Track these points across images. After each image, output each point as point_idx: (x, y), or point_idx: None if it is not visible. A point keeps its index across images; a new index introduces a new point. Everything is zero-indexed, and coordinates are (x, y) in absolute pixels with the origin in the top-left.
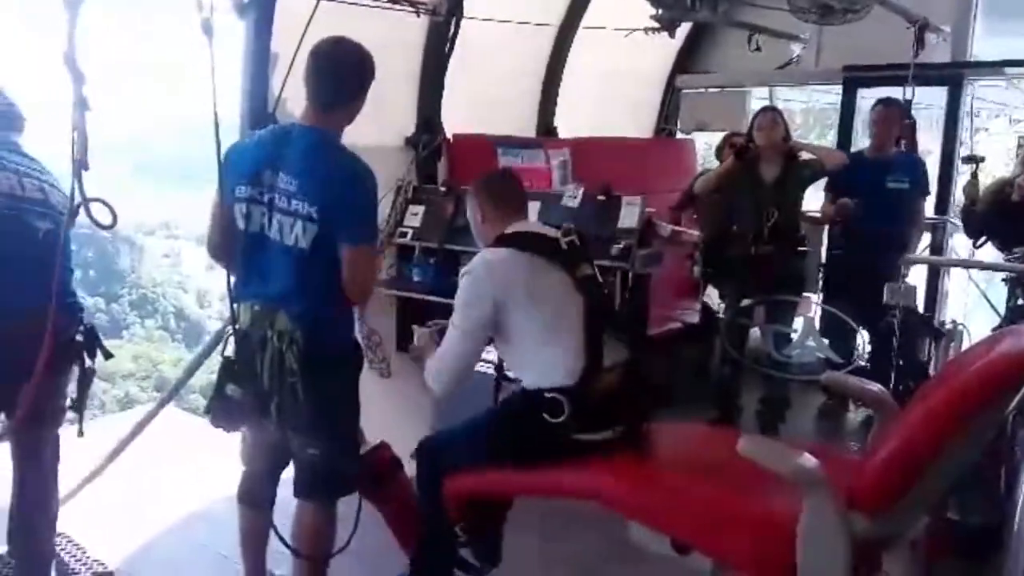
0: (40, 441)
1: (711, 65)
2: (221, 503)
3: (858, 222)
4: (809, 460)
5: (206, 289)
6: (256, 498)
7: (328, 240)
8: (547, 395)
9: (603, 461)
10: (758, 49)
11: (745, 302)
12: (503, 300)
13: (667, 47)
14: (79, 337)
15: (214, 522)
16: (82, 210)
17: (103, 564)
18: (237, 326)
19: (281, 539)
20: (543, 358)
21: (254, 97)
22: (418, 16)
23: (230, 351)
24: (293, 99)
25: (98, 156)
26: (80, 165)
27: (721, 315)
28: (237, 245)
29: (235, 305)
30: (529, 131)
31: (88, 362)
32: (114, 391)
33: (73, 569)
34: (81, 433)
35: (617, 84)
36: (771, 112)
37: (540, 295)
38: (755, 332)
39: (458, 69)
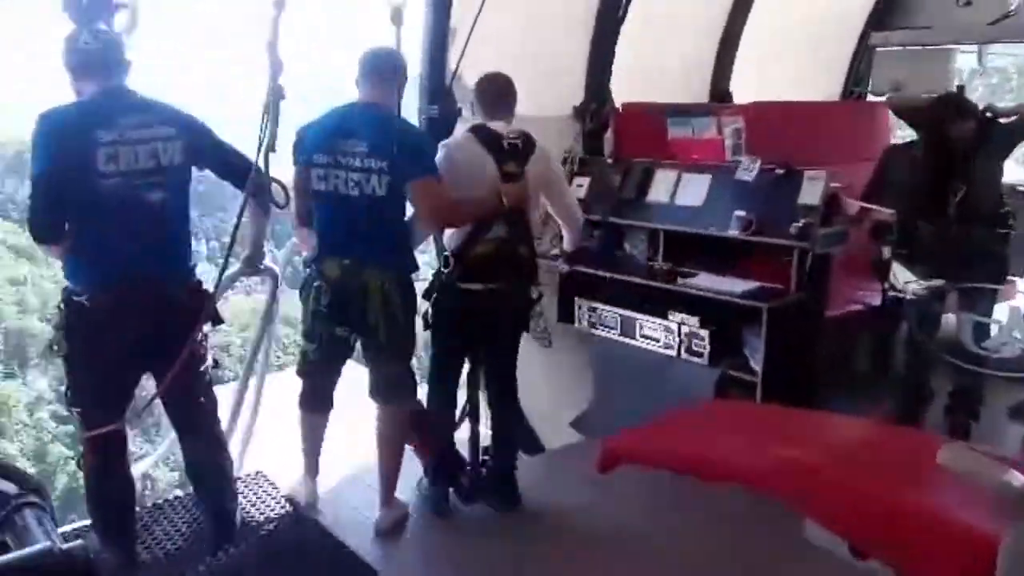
0: (190, 400)
1: (910, 20)
2: None
3: None
4: (1019, 479)
5: None
6: (319, 405)
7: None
8: (446, 255)
9: (779, 454)
10: (968, 3)
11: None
12: (450, 169)
13: (858, 1)
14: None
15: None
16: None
17: (292, 501)
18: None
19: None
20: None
21: (433, 71)
22: None
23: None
24: (468, 72)
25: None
26: (269, 148)
27: (908, 298)
28: None
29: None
30: (703, 97)
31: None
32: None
33: (266, 504)
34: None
35: (799, 43)
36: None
37: (470, 175)
38: (948, 319)
39: (629, 36)
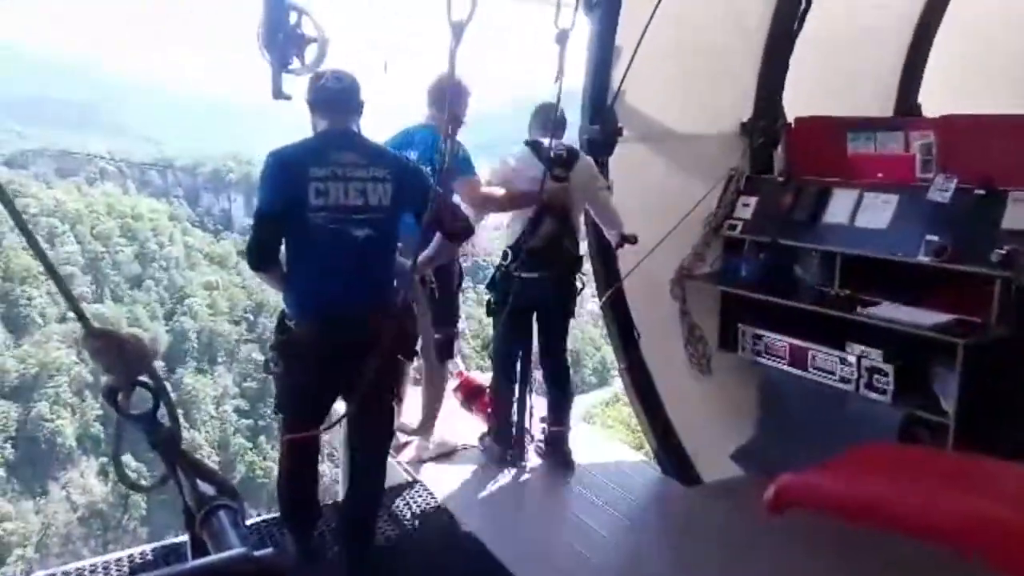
0: (372, 427)
1: None
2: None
3: None
4: None
5: None
6: None
7: None
8: (505, 250)
9: (980, 509)
10: None
11: None
12: (511, 173)
13: None
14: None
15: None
16: None
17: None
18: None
19: None
20: (514, 225)
21: (595, 90)
22: None
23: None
24: (632, 90)
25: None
26: (447, 175)
27: None
28: None
29: None
30: (887, 110)
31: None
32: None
33: (422, 510)
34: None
35: (998, 50)
36: None
37: (527, 178)
38: None
39: (806, 46)
